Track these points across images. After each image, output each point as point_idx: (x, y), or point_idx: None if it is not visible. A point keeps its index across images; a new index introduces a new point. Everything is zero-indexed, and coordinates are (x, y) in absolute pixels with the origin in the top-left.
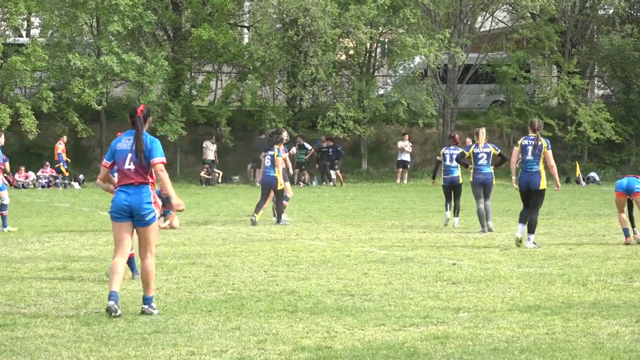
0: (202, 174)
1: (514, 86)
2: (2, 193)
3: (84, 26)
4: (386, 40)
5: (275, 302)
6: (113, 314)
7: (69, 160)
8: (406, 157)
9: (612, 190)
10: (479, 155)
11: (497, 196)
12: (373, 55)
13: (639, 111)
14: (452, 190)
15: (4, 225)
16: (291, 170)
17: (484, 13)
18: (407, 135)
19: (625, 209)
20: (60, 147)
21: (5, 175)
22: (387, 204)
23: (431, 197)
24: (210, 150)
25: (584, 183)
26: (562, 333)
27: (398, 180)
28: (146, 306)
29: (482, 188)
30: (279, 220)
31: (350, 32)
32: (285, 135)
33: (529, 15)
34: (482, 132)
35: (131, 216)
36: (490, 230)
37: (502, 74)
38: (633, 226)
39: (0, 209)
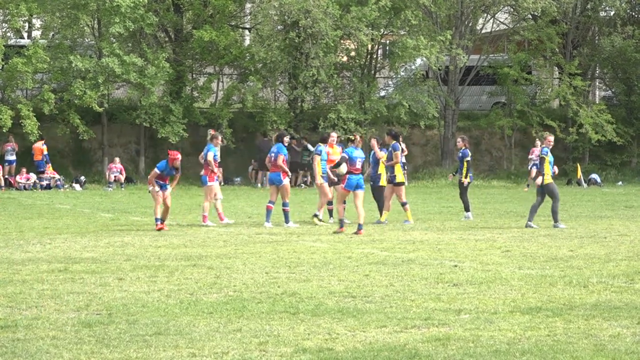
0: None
1: (515, 88)
2: None
3: (85, 28)
4: (387, 41)
5: (277, 303)
6: None
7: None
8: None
9: (613, 192)
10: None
11: (498, 197)
12: (374, 56)
13: None
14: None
15: None
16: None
17: (485, 15)
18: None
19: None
20: (44, 147)
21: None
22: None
23: (432, 198)
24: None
25: (585, 185)
26: (563, 335)
27: None
28: None
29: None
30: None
31: (351, 34)
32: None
33: (530, 16)
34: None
35: None
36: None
37: (504, 75)
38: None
39: None
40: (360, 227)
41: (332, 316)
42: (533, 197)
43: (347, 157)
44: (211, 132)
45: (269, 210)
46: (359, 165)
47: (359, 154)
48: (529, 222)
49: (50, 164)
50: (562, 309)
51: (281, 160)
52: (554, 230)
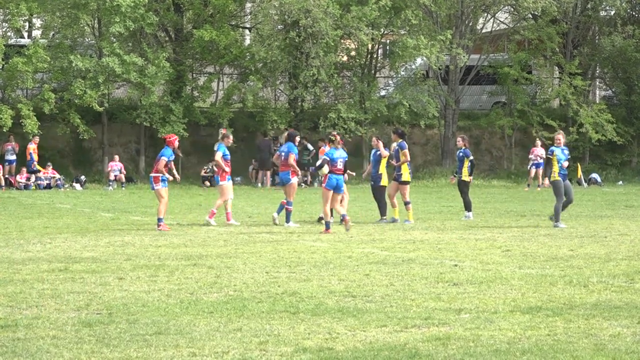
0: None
1: (515, 87)
2: None
3: (85, 27)
4: (387, 41)
5: (277, 303)
6: None
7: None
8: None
9: (614, 192)
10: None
11: (498, 197)
12: (374, 56)
13: None
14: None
15: None
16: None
17: (486, 14)
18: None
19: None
20: (32, 147)
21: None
22: (389, 205)
23: (433, 198)
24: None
25: (585, 184)
26: (563, 334)
27: None
28: None
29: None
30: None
31: (351, 34)
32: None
33: (531, 16)
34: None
35: None
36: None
37: (504, 75)
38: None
39: None
40: (344, 216)
41: (333, 316)
42: (533, 197)
43: (327, 159)
44: (222, 131)
45: (282, 205)
46: (340, 165)
47: (340, 154)
48: (556, 223)
49: (35, 163)
50: (563, 309)
51: (292, 159)
52: (554, 229)
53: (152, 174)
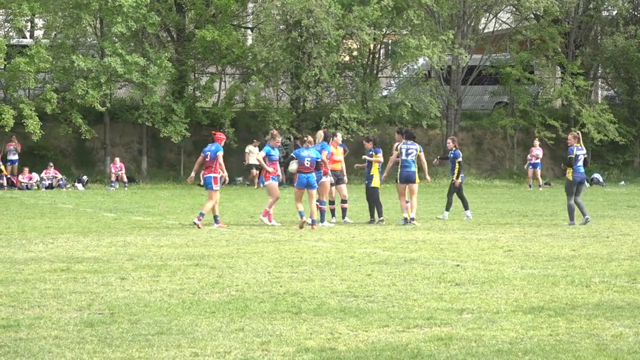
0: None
1: (517, 87)
2: None
3: (87, 27)
4: (390, 41)
5: (279, 303)
6: None
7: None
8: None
9: (616, 192)
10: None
11: (500, 197)
12: (376, 56)
13: None
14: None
15: None
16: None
17: (488, 14)
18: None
19: None
20: None
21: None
22: (390, 205)
23: (435, 198)
24: (253, 154)
25: (587, 184)
26: (565, 334)
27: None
28: None
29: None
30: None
31: (353, 34)
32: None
33: (533, 16)
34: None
35: None
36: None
37: (506, 75)
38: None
39: None
40: (314, 222)
41: (335, 316)
42: (535, 197)
43: (294, 156)
44: (273, 132)
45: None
46: (307, 164)
47: (308, 153)
48: (587, 217)
49: None
50: (565, 309)
51: (324, 156)
52: (556, 229)
53: (212, 174)
